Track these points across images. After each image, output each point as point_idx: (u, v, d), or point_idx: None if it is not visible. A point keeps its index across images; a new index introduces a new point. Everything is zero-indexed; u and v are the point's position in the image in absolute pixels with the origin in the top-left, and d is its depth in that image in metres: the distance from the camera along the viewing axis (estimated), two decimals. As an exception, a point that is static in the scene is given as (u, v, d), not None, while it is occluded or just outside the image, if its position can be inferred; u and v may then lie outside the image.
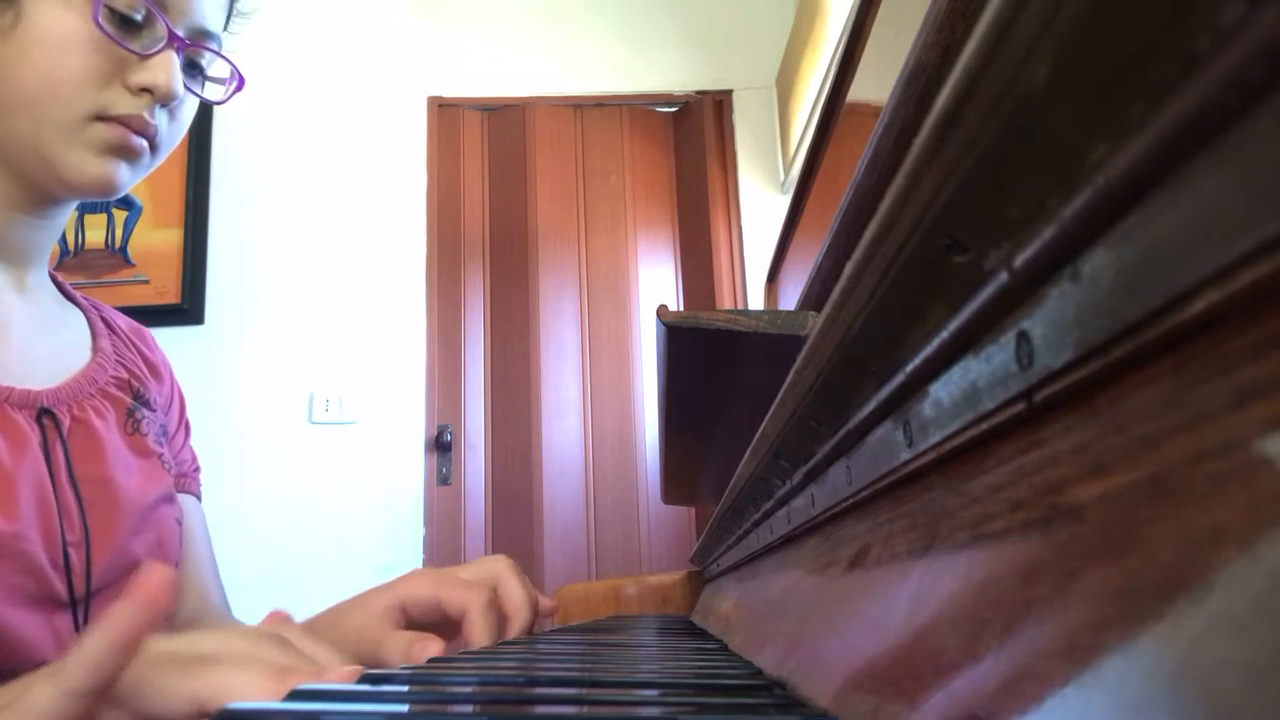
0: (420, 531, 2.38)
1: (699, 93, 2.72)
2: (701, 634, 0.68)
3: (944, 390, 0.22)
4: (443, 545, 2.40)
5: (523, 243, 2.62)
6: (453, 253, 2.60)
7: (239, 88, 0.68)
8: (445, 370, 2.52)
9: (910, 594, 0.22)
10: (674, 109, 2.76)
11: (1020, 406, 0.18)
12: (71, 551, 0.56)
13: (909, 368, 0.23)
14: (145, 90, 0.58)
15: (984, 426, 0.20)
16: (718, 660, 0.43)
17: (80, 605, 0.56)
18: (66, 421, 0.59)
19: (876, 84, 0.69)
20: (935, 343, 0.21)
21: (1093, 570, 0.14)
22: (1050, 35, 0.13)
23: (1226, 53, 0.10)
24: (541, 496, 2.46)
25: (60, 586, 0.54)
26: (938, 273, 0.19)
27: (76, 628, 0.55)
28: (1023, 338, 0.17)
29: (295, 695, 0.26)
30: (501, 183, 2.67)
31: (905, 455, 0.25)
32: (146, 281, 2.42)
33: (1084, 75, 0.13)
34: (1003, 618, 0.16)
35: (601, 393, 2.55)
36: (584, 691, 0.30)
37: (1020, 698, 0.14)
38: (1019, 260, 0.16)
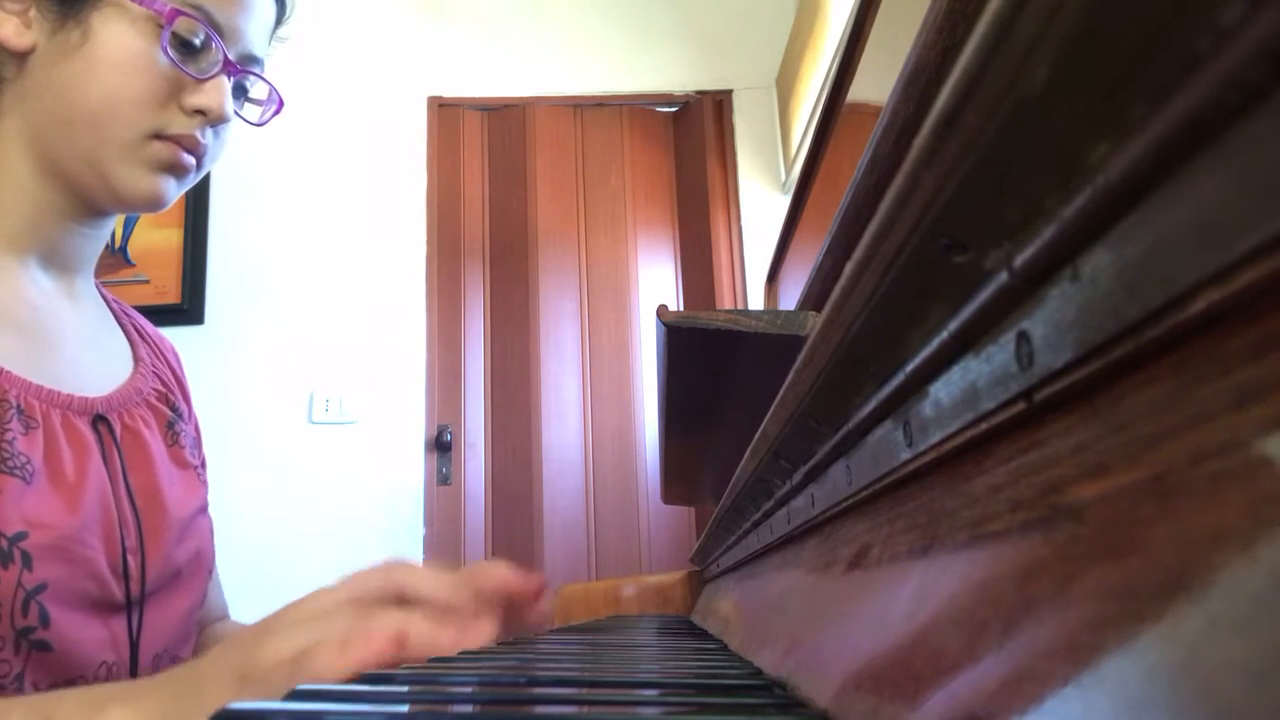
0: (420, 531, 2.38)
1: (699, 93, 2.72)
2: (701, 634, 0.68)
3: (944, 390, 0.22)
4: (443, 545, 2.40)
5: (523, 243, 2.62)
6: (453, 253, 2.60)
7: (278, 111, 0.71)
8: (445, 370, 2.52)
9: (910, 594, 0.22)
10: (674, 109, 2.76)
11: (1020, 406, 0.18)
12: (129, 558, 0.57)
13: (909, 367, 0.23)
14: (199, 112, 0.61)
15: (984, 426, 0.20)
16: (718, 660, 0.43)
17: (135, 609, 0.58)
18: (119, 429, 0.61)
19: (876, 84, 0.69)
20: (935, 342, 0.21)
21: (1093, 570, 0.14)
22: (1050, 35, 0.13)
23: (1226, 53, 0.10)
24: (541, 496, 2.46)
25: (119, 591, 0.56)
26: (938, 273, 0.19)
27: (129, 632, 0.57)
28: (1023, 338, 0.17)
29: (295, 695, 0.26)
30: (501, 183, 2.67)
31: (905, 455, 0.25)
32: (146, 281, 2.42)
33: (1084, 75, 0.13)
34: (1003, 618, 0.16)
35: (601, 393, 2.55)
36: (584, 691, 0.30)
37: (1020, 698, 0.14)
38: (1019, 260, 0.16)
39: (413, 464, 2.42)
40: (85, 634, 0.53)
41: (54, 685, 0.51)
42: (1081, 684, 0.13)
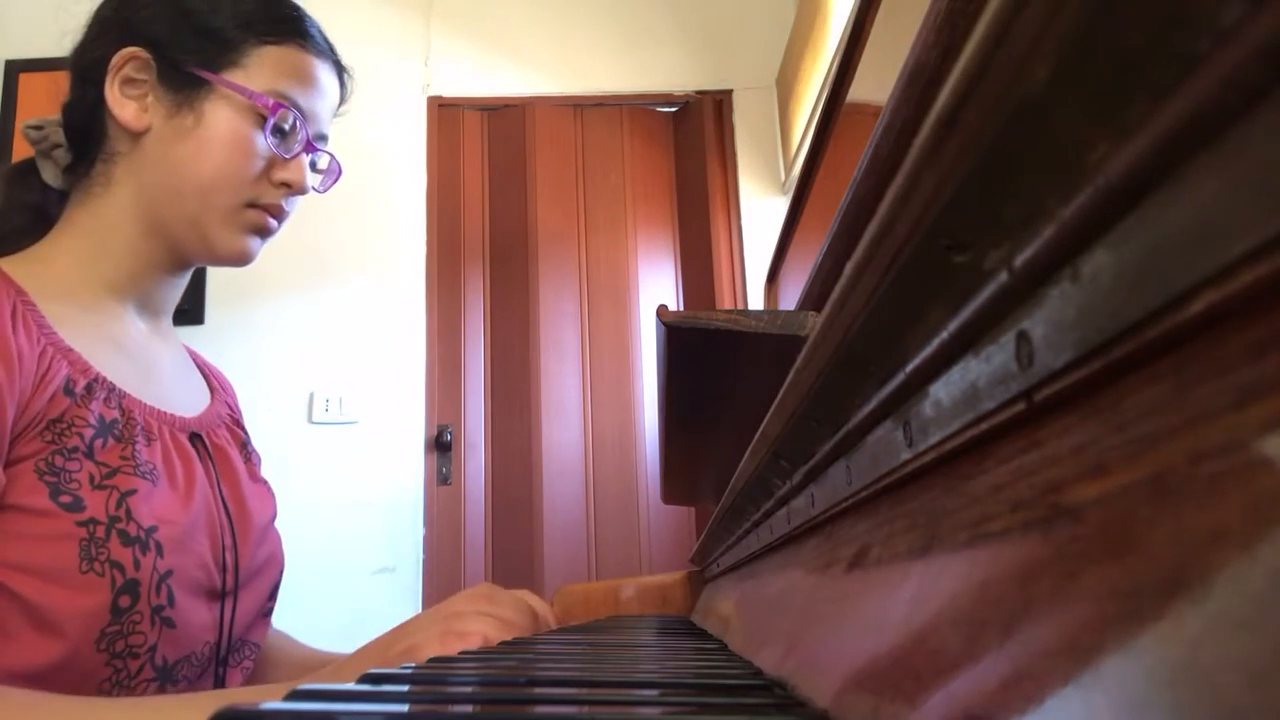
0: (420, 531, 2.38)
1: (699, 93, 2.72)
2: (701, 634, 0.68)
3: (944, 390, 0.22)
4: (443, 545, 2.40)
5: (523, 242, 2.62)
6: (453, 253, 2.60)
7: (336, 179, 0.83)
8: (445, 370, 2.52)
9: (910, 594, 0.22)
10: (674, 109, 2.76)
11: (1020, 406, 0.18)
12: (226, 554, 0.68)
13: (909, 368, 0.23)
14: (284, 184, 0.73)
15: (984, 426, 0.20)
16: (718, 660, 0.43)
17: (229, 598, 0.68)
18: (210, 445, 0.72)
19: (876, 84, 0.69)
20: (935, 342, 0.21)
21: (1093, 570, 0.14)
22: (1050, 35, 0.13)
23: (1226, 53, 0.10)
24: (541, 496, 2.46)
25: (219, 581, 0.66)
26: (938, 273, 0.19)
27: (221, 617, 0.67)
28: (1023, 338, 0.17)
29: (295, 695, 0.26)
30: (501, 183, 2.67)
31: (905, 455, 0.25)
32: (146, 281, 2.42)
33: (1084, 75, 0.13)
34: (1003, 618, 0.16)
35: (601, 393, 2.55)
36: (584, 691, 0.30)
37: (1020, 698, 0.14)
38: (1019, 260, 0.16)
39: (413, 464, 2.42)
40: (196, 616, 0.63)
41: (177, 658, 0.61)
42: (1081, 684, 0.13)
